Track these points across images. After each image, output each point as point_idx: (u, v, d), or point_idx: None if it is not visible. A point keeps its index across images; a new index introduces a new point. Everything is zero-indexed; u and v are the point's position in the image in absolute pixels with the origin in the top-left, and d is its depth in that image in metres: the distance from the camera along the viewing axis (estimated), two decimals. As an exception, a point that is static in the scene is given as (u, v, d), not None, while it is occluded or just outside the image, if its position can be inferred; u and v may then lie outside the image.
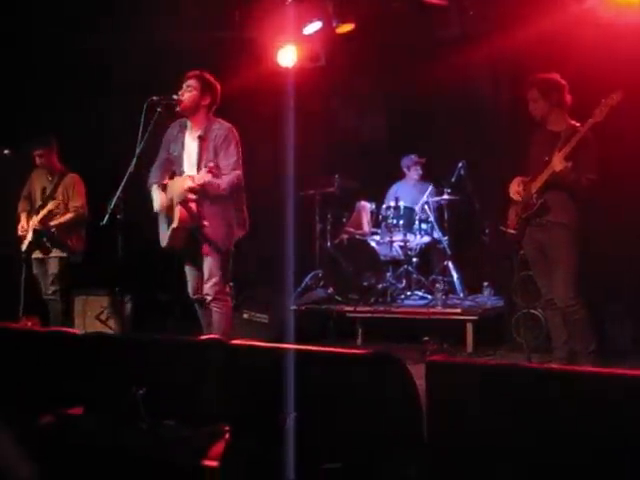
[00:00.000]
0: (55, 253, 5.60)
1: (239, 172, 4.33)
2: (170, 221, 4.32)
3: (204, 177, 4.11)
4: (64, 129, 6.28)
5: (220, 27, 7.52)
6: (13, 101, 6.66)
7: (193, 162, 4.32)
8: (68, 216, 5.61)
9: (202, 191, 4.17)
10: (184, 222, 4.26)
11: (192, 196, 4.20)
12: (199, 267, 4.40)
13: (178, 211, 4.24)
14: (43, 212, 5.54)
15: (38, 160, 5.70)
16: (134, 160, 4.12)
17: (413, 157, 7.11)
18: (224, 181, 4.28)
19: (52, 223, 5.55)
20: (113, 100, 6.94)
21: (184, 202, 4.22)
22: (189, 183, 4.17)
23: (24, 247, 5.64)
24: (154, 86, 4.45)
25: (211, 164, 4.19)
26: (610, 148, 4.65)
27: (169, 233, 4.32)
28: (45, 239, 5.56)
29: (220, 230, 4.34)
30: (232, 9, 7.24)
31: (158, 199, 4.41)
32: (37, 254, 5.64)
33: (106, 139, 6.91)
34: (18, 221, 5.73)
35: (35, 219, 5.56)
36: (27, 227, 5.60)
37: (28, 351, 3.72)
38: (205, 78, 4.41)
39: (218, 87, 4.47)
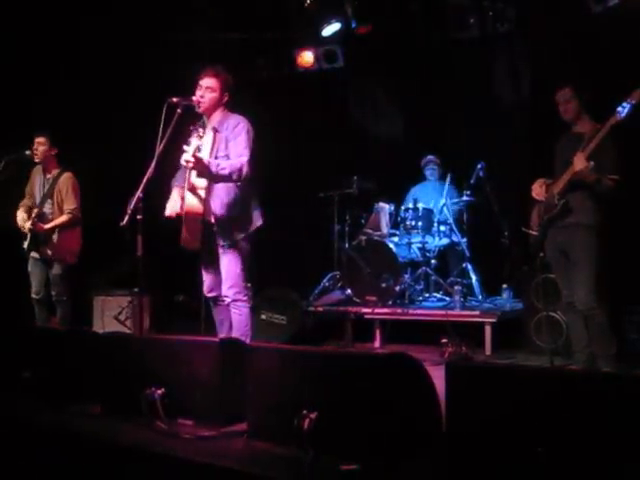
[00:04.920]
0: (53, 256, 5.56)
1: (244, 158, 4.23)
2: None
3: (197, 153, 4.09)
4: (83, 130, 6.34)
5: (240, 28, 7.54)
6: (32, 103, 6.72)
7: (207, 152, 4.32)
8: (62, 219, 5.57)
9: (200, 165, 4.15)
10: (193, 213, 4.25)
11: (199, 183, 4.20)
12: (215, 265, 4.38)
13: (186, 202, 4.25)
14: (36, 212, 5.50)
15: (36, 150, 5.57)
16: (154, 161, 4.13)
17: (429, 157, 7.09)
18: (226, 162, 4.21)
19: (47, 226, 5.51)
20: (132, 101, 6.99)
21: (193, 189, 4.23)
22: (185, 157, 4.10)
23: (25, 245, 5.62)
24: (174, 86, 4.45)
25: (221, 154, 4.21)
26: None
27: (183, 227, 4.32)
28: (42, 240, 5.53)
29: (231, 221, 4.29)
30: (252, 11, 7.25)
31: (170, 203, 4.43)
32: (36, 254, 5.61)
33: (125, 140, 6.96)
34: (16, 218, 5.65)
35: (28, 223, 5.51)
36: (25, 223, 5.54)
37: (48, 349, 3.76)
38: (223, 76, 4.40)
39: (233, 81, 4.46)
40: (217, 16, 7.33)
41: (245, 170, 4.24)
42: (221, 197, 4.31)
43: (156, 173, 4.12)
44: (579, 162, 4.04)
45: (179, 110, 4.20)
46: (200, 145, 4.19)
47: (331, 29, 7.46)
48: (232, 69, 4.55)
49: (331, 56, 8.00)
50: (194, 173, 4.20)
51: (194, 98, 4.32)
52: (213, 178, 4.23)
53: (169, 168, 4.44)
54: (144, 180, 4.11)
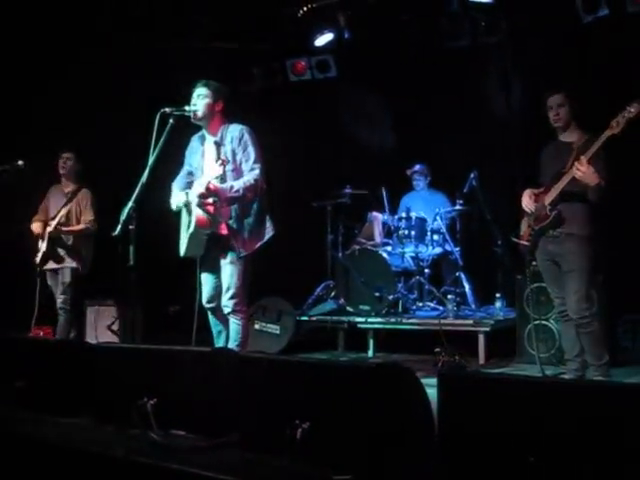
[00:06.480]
0: (67, 263, 5.67)
1: (257, 172, 4.26)
2: (189, 227, 4.31)
3: (211, 182, 4.13)
4: (76, 140, 6.33)
5: (233, 39, 7.57)
6: (25, 113, 6.72)
7: (211, 168, 4.32)
8: (79, 227, 5.75)
9: (213, 195, 4.16)
10: (202, 226, 4.24)
11: (208, 200, 4.20)
12: (217, 275, 4.37)
13: (195, 215, 4.24)
14: (57, 219, 5.65)
15: (62, 165, 5.78)
16: (146, 171, 4.13)
17: (415, 167, 7.08)
18: (238, 182, 4.22)
19: (65, 229, 5.68)
20: (125, 111, 6.99)
21: (201, 206, 4.22)
22: (199, 189, 4.17)
23: (38, 258, 5.69)
24: (167, 97, 4.46)
25: (223, 157, 4.20)
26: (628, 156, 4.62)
27: (187, 239, 4.30)
28: (59, 246, 5.66)
29: (240, 235, 4.30)
30: (245, 21, 7.28)
31: (175, 197, 4.43)
32: (51, 264, 5.69)
33: (118, 150, 6.95)
34: (31, 230, 5.76)
35: (49, 227, 5.67)
36: (42, 234, 5.67)
37: (40, 361, 3.74)
38: (213, 84, 4.42)
39: (227, 90, 4.48)
40: (211, 27, 7.36)
41: (260, 184, 4.26)
42: (236, 210, 4.31)
43: (149, 183, 4.12)
44: (582, 167, 3.95)
45: (172, 120, 4.21)
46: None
47: (324, 39, 7.50)
48: (226, 79, 4.57)
49: (324, 66, 8.04)
50: (200, 187, 4.19)
51: (187, 108, 4.33)
52: (229, 203, 4.24)
53: (161, 178, 4.45)
54: (137, 190, 4.11)
